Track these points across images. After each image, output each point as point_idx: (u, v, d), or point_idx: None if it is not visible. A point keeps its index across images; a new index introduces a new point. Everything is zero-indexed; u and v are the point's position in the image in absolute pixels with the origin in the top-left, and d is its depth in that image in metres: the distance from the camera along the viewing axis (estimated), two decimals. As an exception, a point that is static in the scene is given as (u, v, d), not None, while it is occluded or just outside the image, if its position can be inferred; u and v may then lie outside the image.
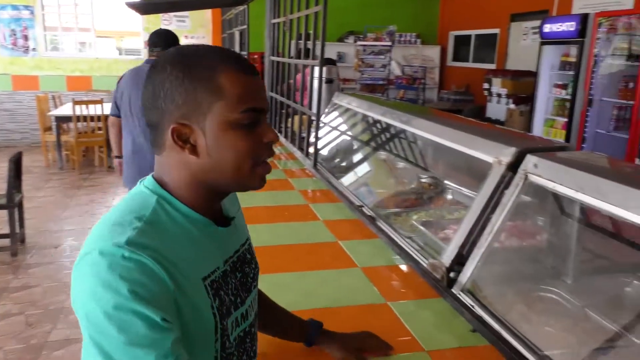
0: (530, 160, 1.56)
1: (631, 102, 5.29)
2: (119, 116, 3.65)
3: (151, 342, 0.73)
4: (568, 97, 6.29)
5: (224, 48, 0.92)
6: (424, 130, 2.26)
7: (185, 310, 0.81)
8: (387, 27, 9.79)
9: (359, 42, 9.98)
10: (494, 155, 1.72)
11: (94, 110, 7.29)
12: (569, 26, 6.13)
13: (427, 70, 10.63)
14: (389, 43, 9.74)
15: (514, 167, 1.64)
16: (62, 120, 7.49)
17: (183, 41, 4.51)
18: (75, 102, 7.21)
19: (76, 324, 0.82)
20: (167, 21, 10.18)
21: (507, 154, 1.67)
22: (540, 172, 1.52)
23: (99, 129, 7.52)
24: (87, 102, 7.32)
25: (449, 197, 2.70)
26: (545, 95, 6.76)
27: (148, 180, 0.90)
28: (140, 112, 0.96)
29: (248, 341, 1.00)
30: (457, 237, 1.71)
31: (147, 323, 0.73)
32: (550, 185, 1.48)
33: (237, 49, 8.10)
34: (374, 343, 1.32)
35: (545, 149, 1.64)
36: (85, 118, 7.29)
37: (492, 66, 9.19)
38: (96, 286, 0.73)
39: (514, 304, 1.56)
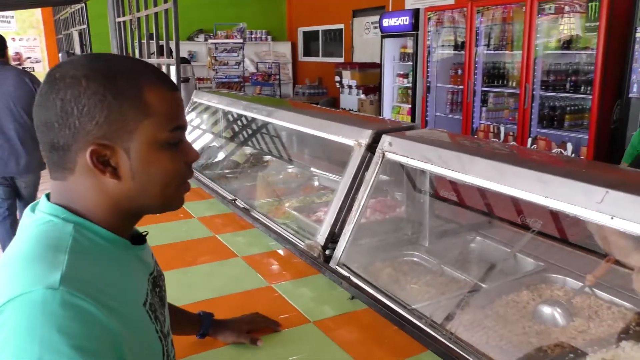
0: (385, 139, 1.74)
1: (461, 87, 5.99)
2: None
3: None
4: (409, 85, 6.90)
5: (141, 60, 0.84)
6: (287, 121, 2.37)
7: (134, 343, 0.73)
8: (237, 25, 9.82)
9: (210, 40, 9.87)
10: (353, 139, 1.88)
11: None
12: (403, 20, 6.72)
13: (280, 66, 10.87)
14: (241, 40, 9.79)
15: (371, 147, 1.81)
16: None
17: (11, 44, 4.10)
18: None
19: None
20: (-12, 22, 9.09)
21: (365, 136, 1.83)
22: (394, 149, 1.70)
23: None
24: None
25: (316, 183, 2.86)
26: (391, 85, 7.35)
27: (50, 207, 0.78)
28: (37, 129, 0.80)
29: (174, 357, 0.96)
30: (329, 217, 1.84)
31: None
32: (403, 160, 1.67)
33: (77, 50, 7.54)
34: (263, 322, 1.39)
35: (397, 129, 1.84)
36: None
37: (341, 59, 9.71)
38: (28, 344, 0.62)
39: (383, 269, 1.74)
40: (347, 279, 1.59)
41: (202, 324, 1.32)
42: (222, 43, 9.75)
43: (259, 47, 11.16)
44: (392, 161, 1.73)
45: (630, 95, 4.33)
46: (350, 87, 8.20)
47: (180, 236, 2.11)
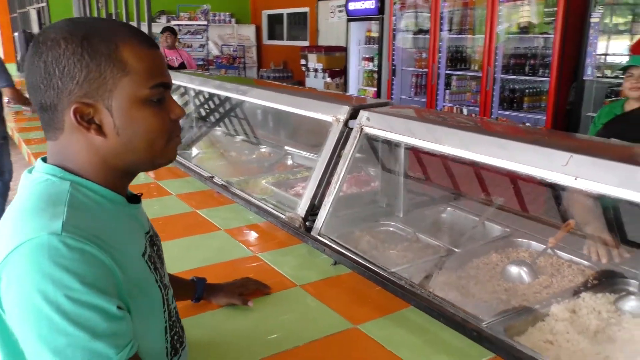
0: (363, 115, 1.82)
1: (425, 70, 6.13)
2: None
3: (110, 334, 0.71)
4: (375, 68, 7.00)
5: (118, 20, 0.89)
6: (265, 100, 2.41)
7: (134, 290, 0.79)
8: (201, 7, 9.67)
9: (173, 22, 9.70)
10: (331, 115, 1.95)
11: None
12: (369, 4, 6.80)
13: (245, 49, 10.79)
14: (205, 22, 9.66)
15: (347, 123, 1.89)
16: None
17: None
18: None
19: None
20: None
21: (343, 112, 1.91)
22: (372, 123, 1.79)
23: None
24: None
25: (290, 161, 2.92)
26: (356, 68, 7.44)
27: (47, 168, 0.82)
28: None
29: (175, 308, 1.03)
30: (308, 191, 1.91)
31: (104, 315, 0.71)
32: (382, 134, 1.76)
33: (35, 30, 7.29)
34: (254, 285, 1.46)
35: (374, 105, 1.92)
36: None
37: (306, 43, 9.72)
38: (42, 284, 0.68)
39: (362, 238, 1.83)
40: (330, 247, 1.67)
41: (196, 289, 1.38)
42: (186, 25, 9.60)
43: (223, 29, 11.02)
44: (368, 137, 1.82)
45: (584, 78, 4.55)
46: (316, 70, 8.24)
47: (160, 212, 2.14)
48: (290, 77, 10.09)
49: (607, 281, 1.49)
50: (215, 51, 10.57)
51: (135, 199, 0.94)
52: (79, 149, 0.82)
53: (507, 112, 5.28)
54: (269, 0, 10.88)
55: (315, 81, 8.30)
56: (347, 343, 1.24)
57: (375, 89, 7.00)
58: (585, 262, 1.62)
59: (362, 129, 1.82)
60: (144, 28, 3.44)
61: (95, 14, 4.13)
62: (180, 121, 0.90)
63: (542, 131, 2.06)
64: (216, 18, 10.75)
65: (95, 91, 0.79)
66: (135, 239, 0.88)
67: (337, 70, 7.93)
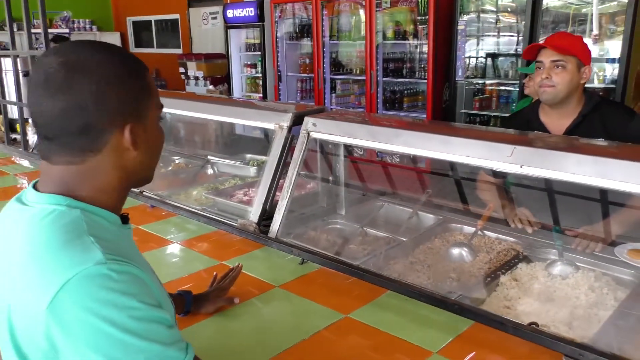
0: (309, 121, 1.93)
1: (311, 75, 6.38)
2: None
3: (174, 340, 0.77)
4: (258, 74, 7.10)
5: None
6: (204, 112, 2.40)
7: (162, 302, 0.84)
8: (62, 13, 8.96)
9: (33, 30, 8.85)
10: (274, 122, 2.03)
11: None
12: (248, 12, 6.89)
13: (112, 57, 10.21)
14: (67, 30, 8.97)
15: (290, 129, 1.99)
16: None
17: None
18: None
19: None
20: None
21: (286, 119, 2.00)
22: (319, 129, 1.90)
23: None
24: None
25: (210, 171, 2.92)
26: (239, 75, 7.48)
27: (48, 198, 0.81)
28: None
29: None
30: (259, 197, 1.97)
31: (164, 325, 0.77)
32: (330, 138, 1.89)
33: None
34: (230, 279, 1.50)
35: (313, 111, 2.03)
36: None
37: (179, 51, 9.49)
38: (106, 312, 0.70)
39: (320, 236, 1.94)
40: (297, 247, 1.75)
41: (185, 302, 1.38)
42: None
43: (85, 37, 10.30)
44: (317, 139, 1.94)
45: (456, 79, 5.11)
46: (197, 78, 8.11)
47: (99, 232, 2.04)
48: (164, 86, 9.77)
49: (533, 252, 1.77)
50: (79, 60, 9.86)
51: (124, 220, 0.94)
52: (106, 170, 0.84)
53: (390, 112, 5.72)
54: (133, 7, 10.43)
55: (197, 89, 8.17)
56: (346, 331, 1.34)
57: (261, 95, 7.10)
58: (511, 239, 1.90)
59: (309, 134, 1.93)
60: None
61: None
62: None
63: (477, 127, 2.33)
64: (75, 25, 10.05)
65: (141, 111, 0.85)
66: (143, 259, 0.92)
67: (219, 77, 7.89)
